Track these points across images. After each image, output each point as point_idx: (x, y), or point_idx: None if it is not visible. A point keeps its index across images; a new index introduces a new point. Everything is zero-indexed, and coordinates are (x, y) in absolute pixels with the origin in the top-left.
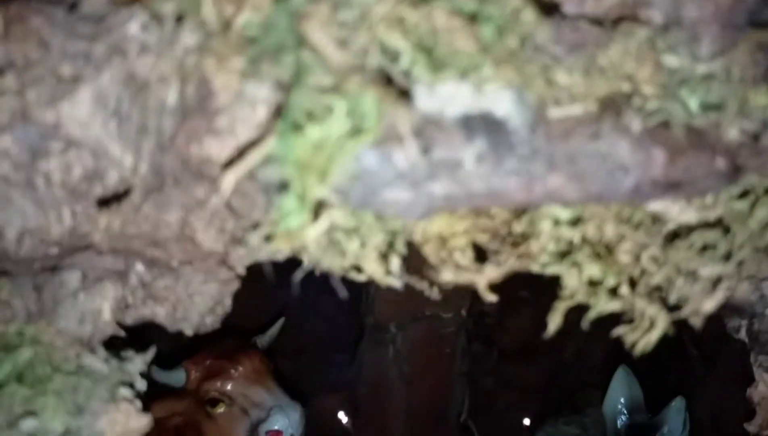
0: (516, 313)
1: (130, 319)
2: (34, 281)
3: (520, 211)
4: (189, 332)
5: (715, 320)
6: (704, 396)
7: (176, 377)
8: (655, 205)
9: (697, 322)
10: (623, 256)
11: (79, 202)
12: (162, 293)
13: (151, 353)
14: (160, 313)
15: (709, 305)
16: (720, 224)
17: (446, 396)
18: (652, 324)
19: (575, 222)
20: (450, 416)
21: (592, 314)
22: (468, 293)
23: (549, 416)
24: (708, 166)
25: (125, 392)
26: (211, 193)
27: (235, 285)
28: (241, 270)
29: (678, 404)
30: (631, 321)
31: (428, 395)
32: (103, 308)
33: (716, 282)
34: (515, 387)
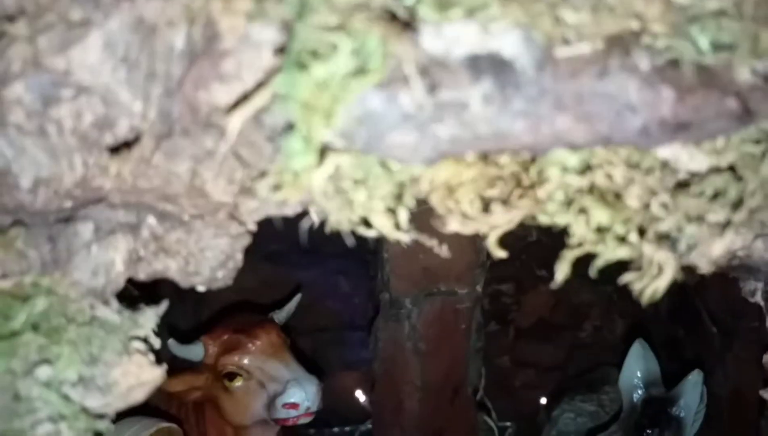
0: (532, 292)
1: (143, 273)
2: (49, 233)
3: (528, 161)
4: (201, 287)
5: (733, 298)
6: (722, 372)
7: (194, 352)
8: (665, 152)
9: (704, 266)
10: (632, 201)
11: (91, 151)
12: (174, 247)
13: (163, 306)
14: (172, 267)
15: (718, 248)
16: (731, 171)
17: (461, 371)
18: (660, 270)
19: (583, 170)
20: (465, 392)
21: (599, 262)
22: (483, 269)
23: (566, 393)
24: (718, 106)
25: (138, 343)
26: (219, 142)
27: (246, 240)
28: (252, 225)
29: (695, 378)
30: (639, 269)
31: (443, 370)
32: (115, 259)
33: (726, 226)
34: (532, 366)
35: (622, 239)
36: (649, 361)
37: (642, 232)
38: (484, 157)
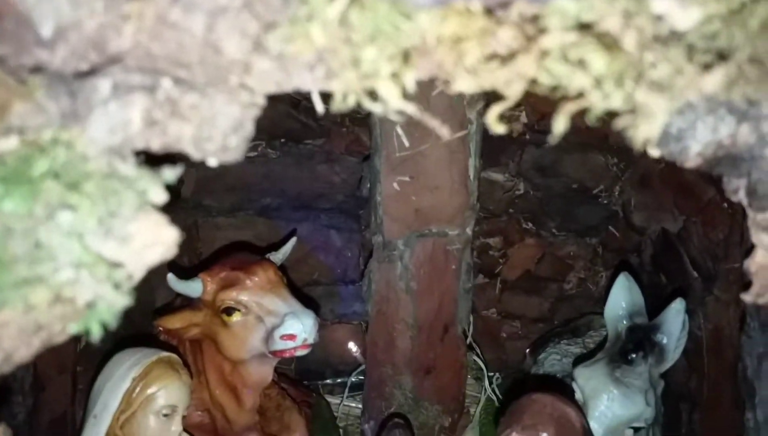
0: (519, 245)
1: (157, 141)
2: (68, 88)
3: (529, 16)
4: (213, 160)
5: (715, 242)
6: (702, 314)
7: (193, 288)
8: (660, 7)
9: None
10: (629, 46)
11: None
12: (187, 112)
13: (179, 168)
14: (186, 133)
15: (710, 83)
16: (721, 23)
17: (451, 310)
18: (652, 114)
19: (583, 20)
20: (455, 330)
21: (595, 112)
22: (473, 211)
23: (551, 339)
24: None
25: (155, 200)
26: None
27: (256, 111)
28: (261, 98)
29: (677, 306)
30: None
31: (434, 308)
32: (132, 117)
33: (716, 65)
34: (518, 318)
35: (618, 86)
36: (633, 292)
37: (636, 81)
38: (489, 12)
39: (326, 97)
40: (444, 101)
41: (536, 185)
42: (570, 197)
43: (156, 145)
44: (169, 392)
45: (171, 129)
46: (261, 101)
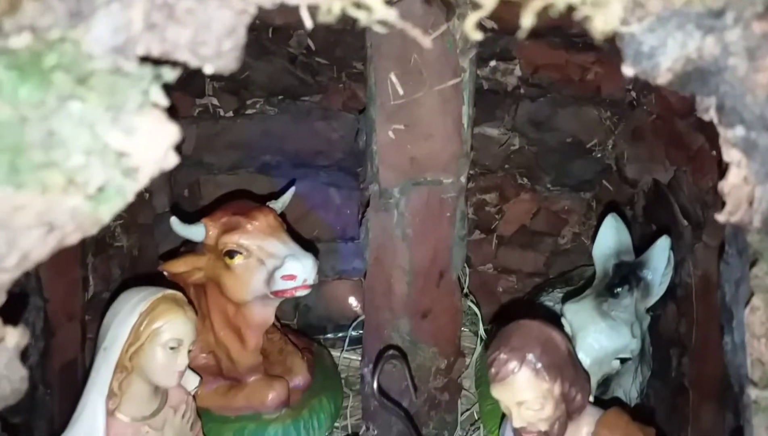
0: (514, 200)
1: (157, 46)
2: None
3: None
4: (209, 67)
5: (704, 190)
6: (692, 261)
7: (196, 232)
8: None
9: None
10: None
11: None
12: (184, 17)
13: (177, 70)
14: (183, 37)
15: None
16: None
17: (446, 256)
18: (608, 3)
19: None
20: (450, 276)
21: (557, 7)
22: (467, 159)
23: (544, 288)
24: None
25: (157, 99)
26: None
27: (248, 18)
28: (253, 8)
29: (663, 242)
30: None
31: (430, 254)
32: (134, 18)
33: None
34: (514, 272)
35: None
36: (621, 232)
37: None
38: None
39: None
40: (437, 49)
41: (531, 140)
42: (564, 152)
43: (156, 50)
44: (174, 326)
45: (169, 34)
46: (252, 10)
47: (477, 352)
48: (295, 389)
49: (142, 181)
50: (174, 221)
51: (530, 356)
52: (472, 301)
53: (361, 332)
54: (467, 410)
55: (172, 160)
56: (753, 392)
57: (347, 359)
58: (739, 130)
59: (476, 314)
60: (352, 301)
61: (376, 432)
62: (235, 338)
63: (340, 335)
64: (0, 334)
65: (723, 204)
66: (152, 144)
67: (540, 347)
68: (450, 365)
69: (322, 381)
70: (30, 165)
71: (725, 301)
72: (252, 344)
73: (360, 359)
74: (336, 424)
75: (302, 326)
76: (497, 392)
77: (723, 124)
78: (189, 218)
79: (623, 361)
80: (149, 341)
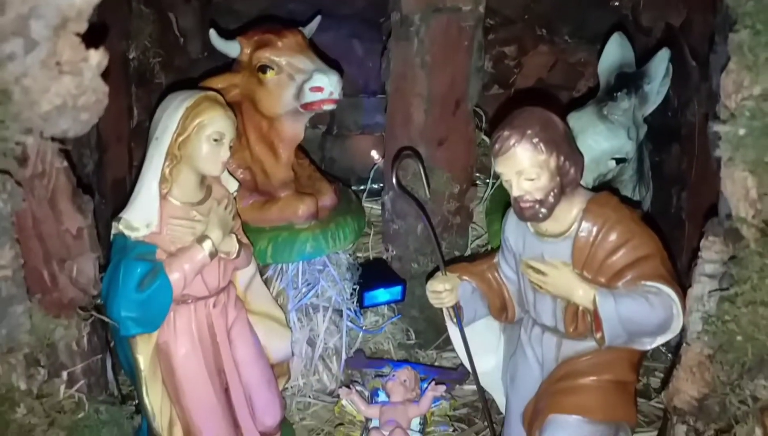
0: (532, 53)
1: None
2: None
3: None
4: None
5: (711, 27)
6: (697, 100)
7: (231, 47)
8: None
9: None
10: None
11: None
12: None
13: None
14: None
15: None
16: None
17: (463, 86)
18: None
19: None
20: (466, 106)
21: None
22: None
23: None
24: None
25: None
26: None
27: None
28: None
29: (662, 54)
30: None
31: (448, 83)
32: None
33: None
34: None
35: None
36: (625, 49)
37: None
38: None
39: None
40: None
41: None
42: (582, 2)
43: None
44: (216, 121)
45: None
46: None
47: (490, 188)
48: (323, 207)
49: None
50: (213, 34)
51: (529, 131)
52: (485, 133)
53: (381, 185)
54: (478, 237)
55: None
56: (719, 127)
57: (368, 206)
58: None
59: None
60: (374, 154)
61: (394, 252)
62: (269, 152)
63: (362, 187)
64: (85, 55)
65: None
66: None
67: (539, 124)
68: (463, 191)
69: (347, 205)
70: None
71: (712, 88)
72: (284, 157)
73: (379, 207)
74: (359, 254)
75: None
76: (500, 165)
77: None
78: (226, 37)
79: (618, 162)
80: (195, 132)
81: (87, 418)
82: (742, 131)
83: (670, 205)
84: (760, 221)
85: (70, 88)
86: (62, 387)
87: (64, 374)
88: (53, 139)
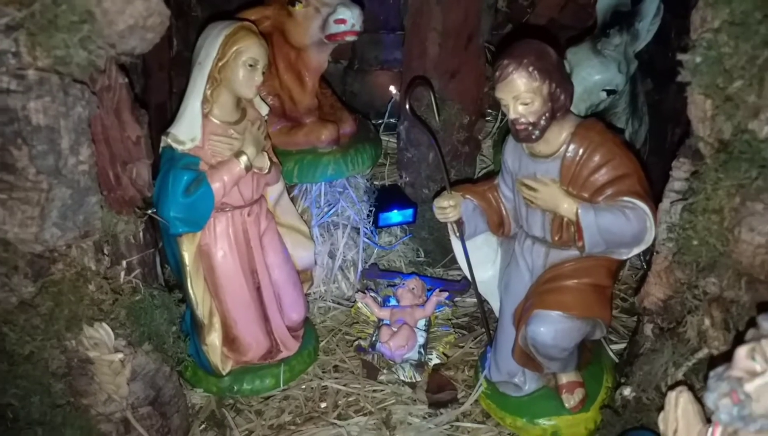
0: None
1: None
2: None
3: None
4: None
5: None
6: None
7: None
8: None
9: None
10: None
11: None
12: None
13: None
14: None
15: None
16: None
17: (475, 22)
18: None
19: None
20: (477, 41)
21: None
22: None
23: None
24: None
25: None
26: None
27: None
28: None
29: None
30: None
31: (461, 18)
32: None
33: None
34: None
35: None
36: None
37: None
38: None
39: None
40: None
41: None
42: None
43: None
44: (251, 48)
45: None
46: None
47: (497, 125)
48: (344, 134)
49: None
50: None
51: (525, 60)
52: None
53: (398, 118)
54: (485, 167)
55: None
56: (681, 56)
57: (385, 139)
58: None
59: None
60: (392, 89)
61: (408, 178)
62: (297, 80)
63: (380, 121)
64: None
65: None
66: None
67: (534, 54)
68: (472, 123)
69: (365, 134)
70: None
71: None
72: (310, 85)
73: (395, 140)
74: (375, 182)
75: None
76: (500, 91)
77: None
78: None
79: (609, 93)
80: (233, 57)
81: (143, 300)
82: (698, 59)
83: (665, 144)
84: (714, 139)
85: (141, 10)
86: (122, 273)
87: (124, 263)
88: (124, 54)
